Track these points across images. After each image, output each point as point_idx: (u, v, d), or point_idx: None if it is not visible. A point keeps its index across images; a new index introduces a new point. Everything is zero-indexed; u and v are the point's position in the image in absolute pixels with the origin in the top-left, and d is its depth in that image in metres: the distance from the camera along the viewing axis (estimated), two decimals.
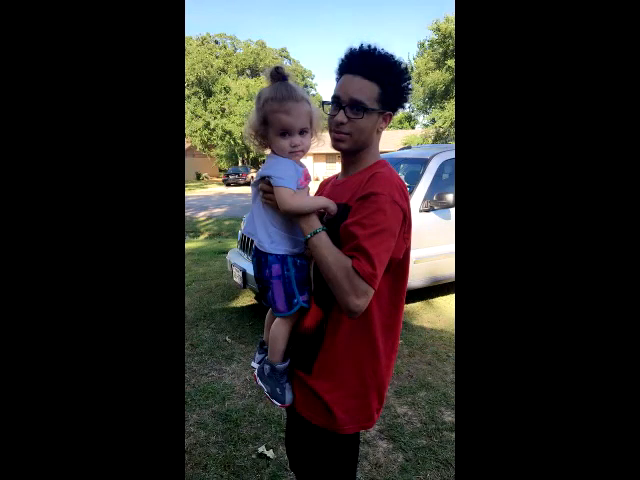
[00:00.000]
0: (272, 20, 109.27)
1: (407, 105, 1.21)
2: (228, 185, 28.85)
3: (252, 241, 1.27)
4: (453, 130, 22.75)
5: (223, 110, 34.79)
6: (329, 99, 1.17)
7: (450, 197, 3.97)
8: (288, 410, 1.35)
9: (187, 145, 35.07)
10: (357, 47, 1.12)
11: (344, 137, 1.12)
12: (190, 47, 35.25)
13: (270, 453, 2.18)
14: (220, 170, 40.02)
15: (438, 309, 4.33)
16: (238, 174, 29.32)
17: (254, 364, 1.36)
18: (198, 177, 37.03)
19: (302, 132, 1.11)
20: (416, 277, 3.95)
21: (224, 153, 35.25)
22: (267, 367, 1.23)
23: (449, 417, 2.51)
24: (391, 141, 28.54)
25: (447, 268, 4.13)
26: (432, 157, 4.33)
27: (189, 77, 33.76)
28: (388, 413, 2.54)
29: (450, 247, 3.98)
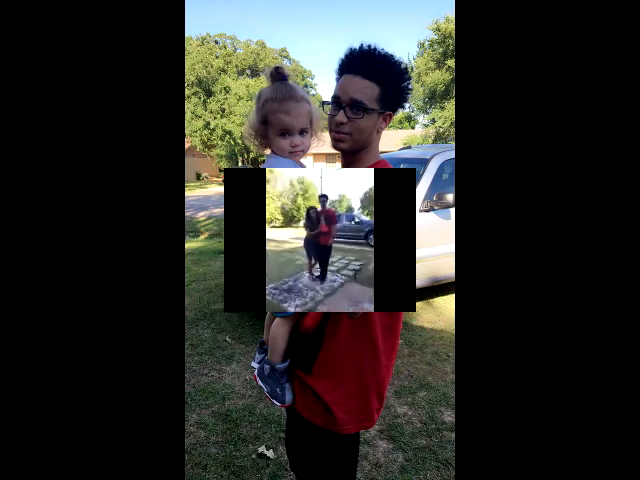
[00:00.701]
0: (272, 20, 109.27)
1: (407, 105, 1.21)
2: None
3: None
4: (453, 130, 22.74)
5: (223, 110, 34.75)
6: (329, 99, 1.17)
7: (450, 197, 3.97)
8: (288, 410, 1.35)
9: (187, 145, 35.01)
10: (357, 47, 1.12)
11: (344, 137, 1.12)
12: (190, 47, 35.19)
13: (270, 453, 2.18)
14: (220, 170, 39.95)
15: (438, 309, 4.33)
16: None
17: (254, 364, 1.36)
18: (198, 177, 36.99)
19: (302, 132, 1.12)
20: (416, 277, 3.94)
21: (224, 153, 35.20)
22: (267, 367, 1.23)
23: (449, 417, 2.51)
24: (391, 141, 28.55)
25: (447, 268, 4.12)
26: (432, 157, 4.33)
27: (189, 77, 33.71)
28: (388, 413, 2.54)
29: (450, 247, 3.98)
